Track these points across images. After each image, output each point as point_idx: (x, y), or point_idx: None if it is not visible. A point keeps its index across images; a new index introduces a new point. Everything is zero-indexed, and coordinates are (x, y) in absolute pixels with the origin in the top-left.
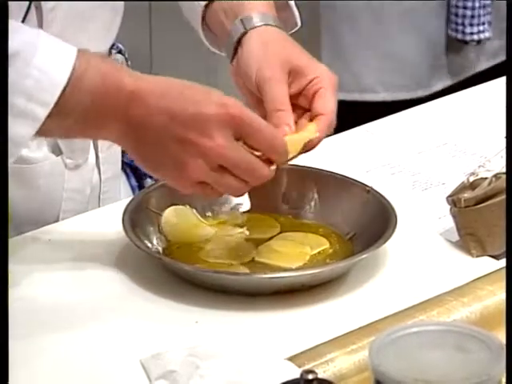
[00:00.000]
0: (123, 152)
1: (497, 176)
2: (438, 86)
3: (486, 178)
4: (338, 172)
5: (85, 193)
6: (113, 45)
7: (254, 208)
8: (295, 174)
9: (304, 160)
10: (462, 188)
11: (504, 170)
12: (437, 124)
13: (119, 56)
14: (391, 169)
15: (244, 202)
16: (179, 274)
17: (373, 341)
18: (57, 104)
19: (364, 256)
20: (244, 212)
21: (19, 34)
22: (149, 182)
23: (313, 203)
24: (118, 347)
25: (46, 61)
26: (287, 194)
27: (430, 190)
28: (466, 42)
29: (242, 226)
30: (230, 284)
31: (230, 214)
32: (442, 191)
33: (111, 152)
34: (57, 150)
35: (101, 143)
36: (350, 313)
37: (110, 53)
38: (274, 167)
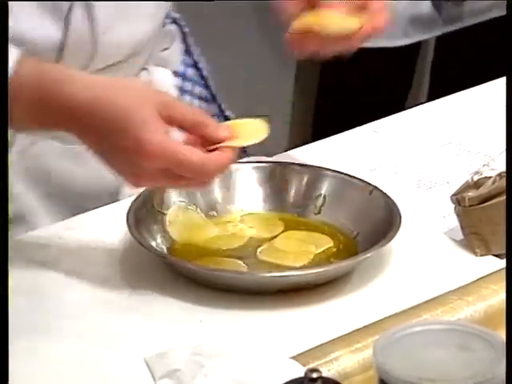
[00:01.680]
0: None
1: (501, 175)
2: (422, 37)
3: (491, 177)
4: (342, 171)
5: None
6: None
7: (258, 206)
8: (300, 172)
9: (309, 158)
10: (467, 187)
11: None
12: (441, 123)
13: (173, 27)
14: (395, 168)
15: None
16: (183, 273)
17: (377, 340)
18: None
19: (368, 255)
20: (248, 211)
21: None
22: None
23: (317, 202)
24: (123, 346)
25: None
26: (291, 193)
27: (435, 189)
28: None
29: (246, 225)
30: (234, 283)
31: (234, 212)
32: (446, 190)
33: None
34: None
35: None
36: (355, 312)
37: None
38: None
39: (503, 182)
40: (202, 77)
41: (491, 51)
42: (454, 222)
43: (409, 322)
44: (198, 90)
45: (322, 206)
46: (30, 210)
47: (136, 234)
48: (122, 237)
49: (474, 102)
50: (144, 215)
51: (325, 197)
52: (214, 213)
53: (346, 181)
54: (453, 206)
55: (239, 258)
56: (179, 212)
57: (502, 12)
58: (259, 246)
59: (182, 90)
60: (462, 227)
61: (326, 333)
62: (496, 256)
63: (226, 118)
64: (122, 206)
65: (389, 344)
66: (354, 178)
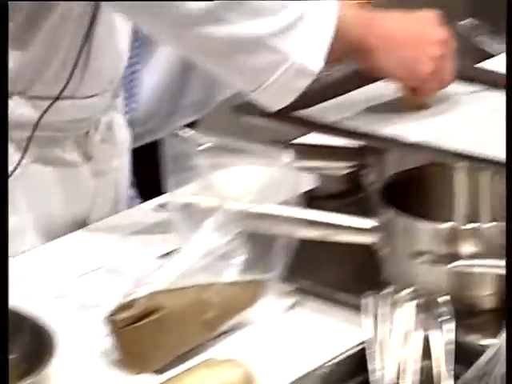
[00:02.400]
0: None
1: (151, 295)
2: None
3: (141, 298)
4: None
5: (109, 196)
6: None
7: None
8: None
9: None
10: (120, 308)
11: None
12: (92, 248)
13: None
14: (55, 293)
15: None
16: None
17: None
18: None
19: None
20: None
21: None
22: None
23: None
24: None
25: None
26: None
27: (91, 312)
28: None
29: None
30: None
31: None
32: (100, 312)
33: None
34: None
35: None
36: None
37: None
38: None
39: (154, 302)
40: None
41: None
42: (110, 342)
43: None
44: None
45: None
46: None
47: None
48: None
49: None
50: None
51: None
52: None
53: None
54: (107, 327)
55: None
56: None
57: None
58: None
59: None
60: (118, 347)
61: None
62: (155, 372)
63: None
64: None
65: None
66: None
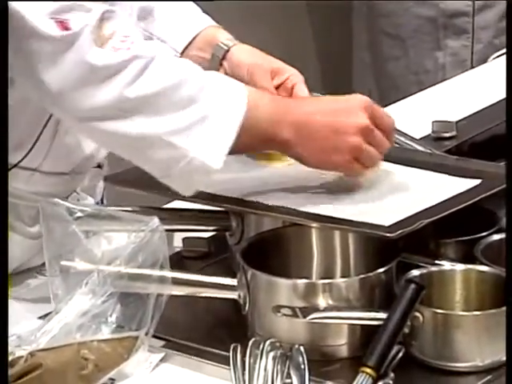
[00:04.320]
0: None
1: (31, 354)
2: None
3: (22, 357)
4: None
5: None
6: None
7: None
8: None
9: None
10: None
11: None
12: None
13: None
14: None
15: None
16: None
17: None
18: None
19: None
20: None
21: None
22: None
23: None
24: None
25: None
26: None
27: None
28: None
29: None
30: None
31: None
32: None
33: None
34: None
35: None
36: None
37: None
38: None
39: (34, 360)
40: None
41: None
42: None
43: None
44: None
45: None
46: None
47: None
48: None
49: None
50: None
51: None
52: None
53: None
54: None
55: None
56: None
57: None
58: None
59: None
60: None
61: None
62: None
63: None
64: None
65: None
66: None
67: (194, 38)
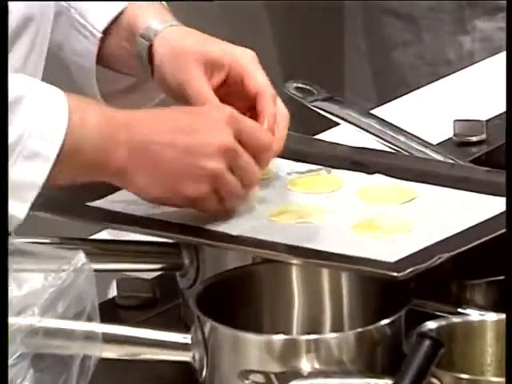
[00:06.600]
0: None
1: None
2: None
3: None
4: None
5: None
6: None
7: None
8: None
9: None
10: None
11: None
12: None
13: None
14: None
15: None
16: None
17: None
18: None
19: None
20: None
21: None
22: None
23: None
24: None
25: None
26: None
27: None
28: None
29: None
30: None
31: None
32: None
33: None
34: None
35: None
36: None
37: None
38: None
39: None
40: None
41: None
42: None
43: None
44: None
45: None
46: None
47: None
48: None
49: None
50: None
51: None
52: None
53: None
54: None
55: None
56: None
57: None
58: None
59: None
60: None
61: None
62: None
63: None
64: None
65: None
66: None
67: (118, 18)
